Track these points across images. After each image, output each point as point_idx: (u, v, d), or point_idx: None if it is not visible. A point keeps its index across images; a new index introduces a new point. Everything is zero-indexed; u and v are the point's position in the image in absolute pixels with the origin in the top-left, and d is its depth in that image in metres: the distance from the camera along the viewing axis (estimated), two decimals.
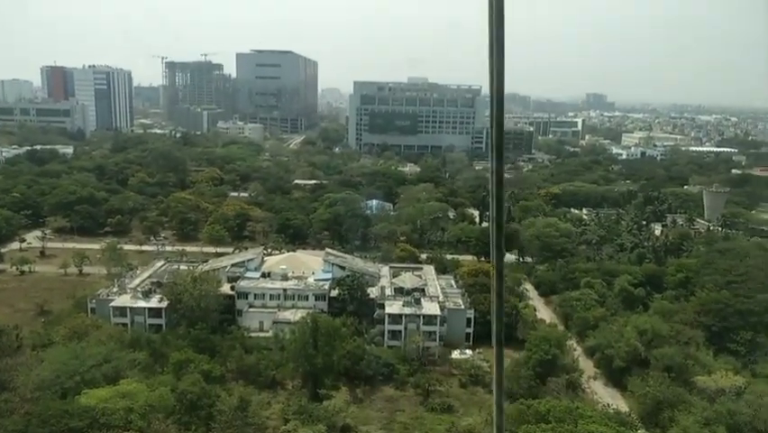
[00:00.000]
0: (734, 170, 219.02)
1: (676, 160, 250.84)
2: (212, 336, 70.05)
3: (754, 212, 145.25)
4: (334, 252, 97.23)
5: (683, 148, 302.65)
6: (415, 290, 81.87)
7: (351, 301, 78.62)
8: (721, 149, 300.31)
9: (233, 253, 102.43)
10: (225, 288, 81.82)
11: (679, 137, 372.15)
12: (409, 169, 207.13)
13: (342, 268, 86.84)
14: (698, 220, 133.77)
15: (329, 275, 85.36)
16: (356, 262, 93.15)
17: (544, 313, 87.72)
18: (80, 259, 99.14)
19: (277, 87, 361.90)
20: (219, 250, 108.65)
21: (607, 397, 65.11)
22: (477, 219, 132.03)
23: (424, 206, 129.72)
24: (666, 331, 70.42)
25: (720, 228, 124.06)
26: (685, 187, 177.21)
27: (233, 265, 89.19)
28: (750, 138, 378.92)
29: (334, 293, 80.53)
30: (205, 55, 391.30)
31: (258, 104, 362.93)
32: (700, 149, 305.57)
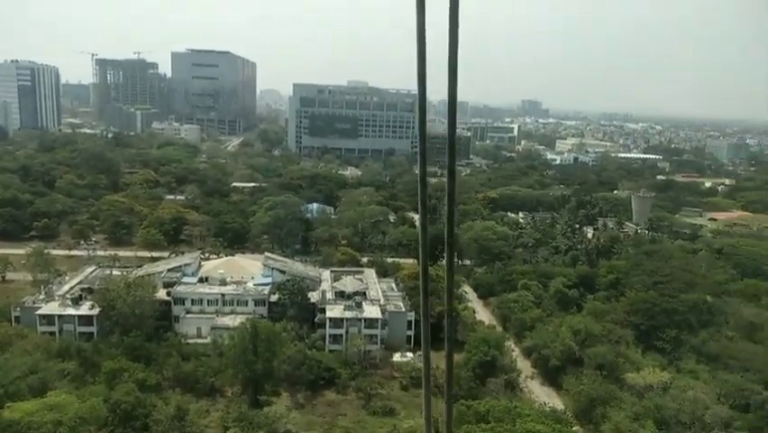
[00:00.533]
0: (659, 176, 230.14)
1: (606, 165, 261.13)
2: (147, 344, 67.69)
3: (677, 216, 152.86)
4: (274, 256, 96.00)
5: (613, 154, 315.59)
6: (356, 293, 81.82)
7: (291, 306, 77.80)
8: (647, 156, 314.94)
9: (169, 257, 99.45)
10: (161, 293, 79.32)
11: (608, 144, 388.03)
12: (350, 172, 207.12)
13: (283, 272, 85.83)
14: (627, 223, 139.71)
15: (269, 280, 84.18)
16: (296, 267, 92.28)
17: (483, 315, 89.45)
18: (3, 265, 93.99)
19: (214, 87, 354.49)
20: (154, 254, 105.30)
21: (543, 396, 67.00)
22: (417, 222, 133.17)
23: (365, 209, 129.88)
24: (598, 331, 73.18)
25: (647, 231, 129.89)
26: (615, 191, 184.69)
27: (169, 270, 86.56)
28: (673, 146, 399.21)
29: (274, 298, 79.43)
30: (139, 53, 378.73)
31: (195, 104, 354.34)
32: (628, 155, 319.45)
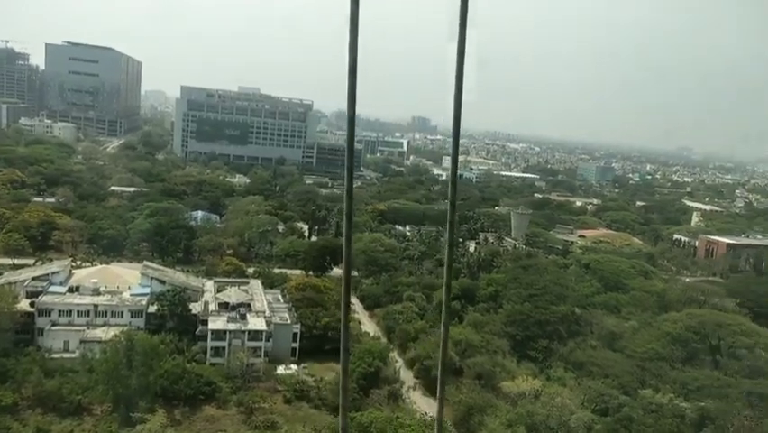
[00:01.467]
0: (536, 194, 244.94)
1: (489, 183, 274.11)
2: (3, 360, 61.92)
3: (551, 232, 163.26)
4: (154, 265, 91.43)
5: (495, 172, 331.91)
6: (240, 305, 79.73)
7: (171, 317, 74.46)
8: (526, 175, 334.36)
9: (34, 264, 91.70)
10: (24, 304, 72.96)
11: (491, 162, 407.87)
12: (238, 180, 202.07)
13: (162, 282, 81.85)
14: (506, 238, 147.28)
15: (147, 290, 79.95)
16: (177, 276, 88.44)
17: (369, 326, 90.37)
18: None
19: (94, 84, 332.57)
20: (17, 261, 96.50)
21: (425, 406, 68.60)
22: (306, 233, 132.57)
23: (252, 218, 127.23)
24: (478, 341, 76.36)
25: (524, 246, 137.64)
26: (496, 208, 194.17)
27: (33, 279, 79.77)
28: (549, 166, 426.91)
29: (153, 309, 75.54)
30: (7, 42, 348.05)
31: (71, 101, 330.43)
32: (509, 174, 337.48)
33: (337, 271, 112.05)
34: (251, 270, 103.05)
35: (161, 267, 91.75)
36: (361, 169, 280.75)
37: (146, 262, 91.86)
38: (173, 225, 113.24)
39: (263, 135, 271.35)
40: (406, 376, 74.36)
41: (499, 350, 75.97)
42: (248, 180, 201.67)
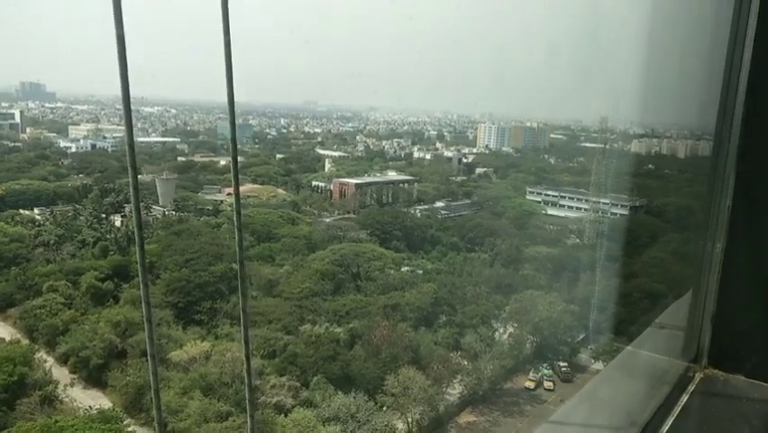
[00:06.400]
0: (179, 158, 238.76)
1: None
2: None
3: (199, 194, 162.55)
4: None
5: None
6: None
7: None
8: (166, 139, 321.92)
9: None
10: None
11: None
12: None
13: None
14: (154, 207, 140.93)
15: None
16: None
17: (3, 331, 77.65)
18: None
19: None
20: None
21: (88, 399, 62.98)
22: None
23: None
24: (138, 318, 72.51)
25: (174, 212, 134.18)
26: (139, 176, 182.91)
27: None
28: (188, 128, 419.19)
29: None
30: None
31: None
32: (148, 139, 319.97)
33: None
34: None
35: None
36: None
37: None
38: None
39: None
40: (61, 374, 66.82)
41: (163, 321, 73.60)
42: None
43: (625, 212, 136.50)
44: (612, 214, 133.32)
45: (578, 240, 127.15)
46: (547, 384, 72.84)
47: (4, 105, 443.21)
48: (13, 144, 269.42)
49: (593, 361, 76.01)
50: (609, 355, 68.86)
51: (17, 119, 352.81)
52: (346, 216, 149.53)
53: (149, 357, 4.02)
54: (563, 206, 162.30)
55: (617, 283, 79.59)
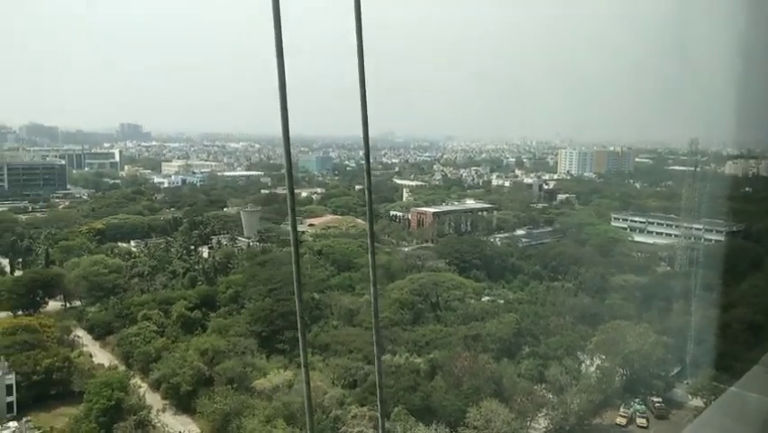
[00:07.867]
0: (263, 191, 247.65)
1: (214, 185, 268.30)
2: None
3: (282, 225, 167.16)
4: None
5: (219, 173, 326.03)
6: None
7: None
8: (251, 172, 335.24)
9: None
10: None
11: (214, 164, 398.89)
12: None
13: None
14: (239, 238, 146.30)
15: None
16: None
17: (103, 357, 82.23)
18: None
19: None
20: None
21: (178, 425, 65.34)
22: (7, 269, 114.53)
23: None
24: (224, 346, 74.87)
25: (258, 243, 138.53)
26: (225, 209, 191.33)
27: None
28: (271, 162, 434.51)
29: None
30: None
31: None
32: (234, 173, 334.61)
33: (54, 304, 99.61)
34: None
35: None
36: (68, 186, 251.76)
37: None
38: None
39: None
40: (154, 399, 69.68)
41: (247, 350, 75.57)
42: None
43: (720, 237, 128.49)
44: (706, 240, 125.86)
45: (669, 268, 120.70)
46: (640, 421, 68.57)
47: (105, 145, 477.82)
48: (113, 181, 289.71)
49: (690, 397, 71.19)
50: (708, 391, 64.36)
51: (116, 158, 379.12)
52: (424, 244, 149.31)
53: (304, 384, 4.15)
54: (651, 232, 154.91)
55: (715, 313, 74.62)
